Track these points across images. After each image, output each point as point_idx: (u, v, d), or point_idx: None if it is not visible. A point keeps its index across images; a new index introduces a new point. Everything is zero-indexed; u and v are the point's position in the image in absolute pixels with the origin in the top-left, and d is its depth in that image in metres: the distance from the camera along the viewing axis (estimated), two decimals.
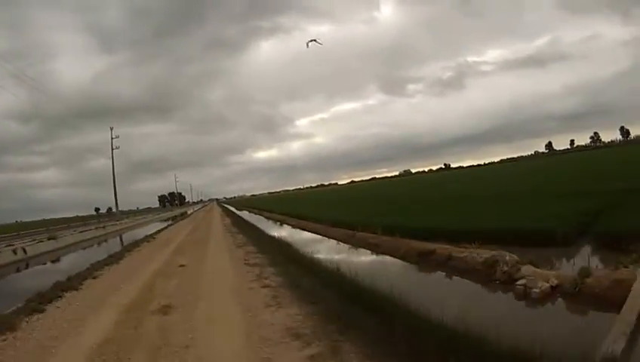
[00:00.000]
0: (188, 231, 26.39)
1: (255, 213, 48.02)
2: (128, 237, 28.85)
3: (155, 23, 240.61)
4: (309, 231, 21.64)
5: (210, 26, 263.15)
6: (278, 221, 31.10)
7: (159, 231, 28.01)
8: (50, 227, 37.15)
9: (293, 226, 25.65)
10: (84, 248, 25.85)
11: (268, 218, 36.42)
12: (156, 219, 57.22)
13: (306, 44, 29.46)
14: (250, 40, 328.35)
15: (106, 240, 29.90)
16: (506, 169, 68.95)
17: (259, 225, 25.55)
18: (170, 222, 43.13)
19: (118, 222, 42.62)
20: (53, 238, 26.12)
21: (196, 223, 34.43)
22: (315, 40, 37.27)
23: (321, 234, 19.40)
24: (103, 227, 34.72)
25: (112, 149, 47.50)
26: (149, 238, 22.73)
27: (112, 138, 47.71)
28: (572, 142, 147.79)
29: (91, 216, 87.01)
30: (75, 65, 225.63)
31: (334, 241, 16.67)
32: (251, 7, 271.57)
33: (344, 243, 15.61)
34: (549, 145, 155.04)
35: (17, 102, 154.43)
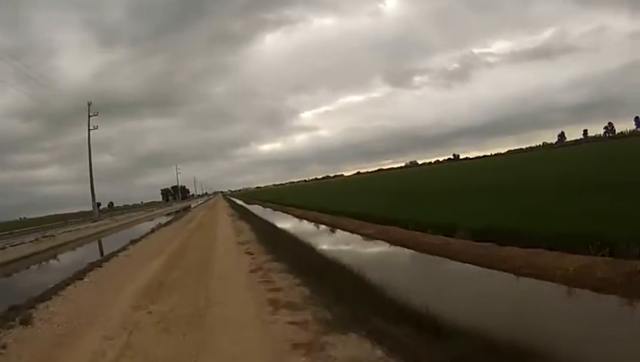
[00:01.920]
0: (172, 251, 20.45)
1: (270, 208, 41.81)
2: (70, 259, 17.86)
3: (158, 17, 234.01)
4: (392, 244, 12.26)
5: (214, 20, 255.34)
6: (313, 221, 21.85)
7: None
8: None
9: (341, 228, 17.39)
10: None
11: (294, 215, 27.09)
12: (144, 218, 48.00)
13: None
14: (254, 33, 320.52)
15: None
16: (528, 158, 61.81)
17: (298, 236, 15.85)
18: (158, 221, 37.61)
19: (93, 224, 32.69)
20: None
21: (194, 226, 28.81)
22: None
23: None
24: (53, 236, 23.74)
25: (89, 137, 41.25)
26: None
27: (89, 126, 41.50)
28: (585, 132, 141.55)
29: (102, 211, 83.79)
30: (77, 61, 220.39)
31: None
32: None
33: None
34: (561, 136, 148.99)
35: (19, 100, 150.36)
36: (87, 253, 18.99)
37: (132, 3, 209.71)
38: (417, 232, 11.41)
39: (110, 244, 19.70)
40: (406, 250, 10.93)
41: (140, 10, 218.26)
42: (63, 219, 43.42)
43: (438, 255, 9.52)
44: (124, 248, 15.37)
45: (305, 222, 22.17)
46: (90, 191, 41.22)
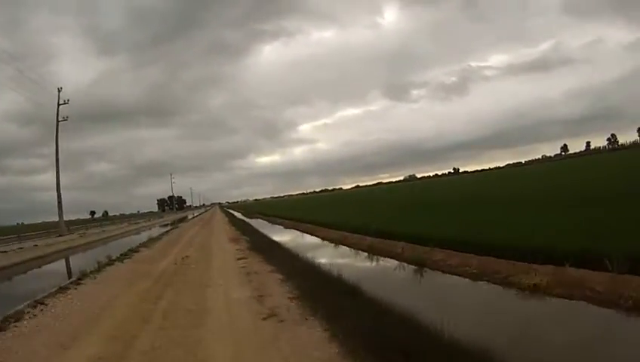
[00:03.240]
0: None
1: (279, 224, 33.69)
2: None
3: (156, 27, 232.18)
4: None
5: (212, 30, 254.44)
6: (366, 250, 13.97)
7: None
8: None
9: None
10: None
11: (322, 237, 18.84)
12: (125, 233, 39.36)
13: None
14: (252, 44, 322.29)
15: None
16: (538, 170, 55.14)
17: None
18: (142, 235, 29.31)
19: (47, 242, 25.01)
20: None
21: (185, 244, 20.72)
22: None
23: None
24: None
25: (58, 129, 33.25)
26: None
27: (57, 116, 33.52)
28: (588, 144, 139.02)
29: (86, 220, 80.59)
30: (74, 68, 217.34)
31: None
32: (254, 10, 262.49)
33: None
34: (564, 148, 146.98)
35: (17, 105, 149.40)
36: None
37: (131, 12, 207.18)
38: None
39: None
40: None
41: (139, 20, 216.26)
42: (34, 230, 35.30)
43: None
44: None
45: (357, 253, 14.01)
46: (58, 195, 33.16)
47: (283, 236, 21.86)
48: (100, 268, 12.12)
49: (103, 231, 38.52)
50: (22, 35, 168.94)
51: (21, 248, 21.53)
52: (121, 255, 15.14)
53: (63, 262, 19.18)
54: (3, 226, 70.05)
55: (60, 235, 30.89)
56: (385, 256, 11.87)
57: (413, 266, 10.06)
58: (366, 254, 12.86)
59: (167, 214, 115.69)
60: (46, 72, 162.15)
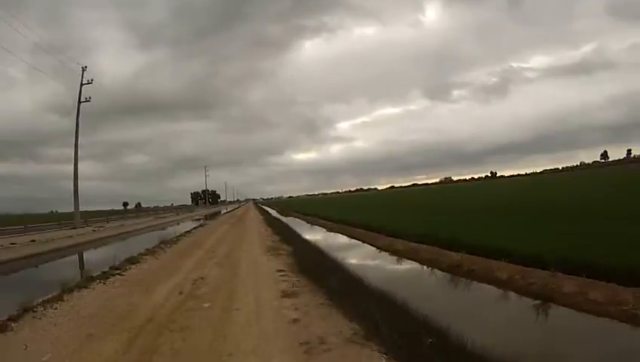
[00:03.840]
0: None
1: (321, 226, 28.50)
2: None
3: (197, 21, 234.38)
4: None
5: (253, 24, 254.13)
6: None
7: None
8: None
9: None
10: None
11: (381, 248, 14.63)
12: (147, 228, 35.58)
13: None
14: (293, 39, 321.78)
15: None
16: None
17: None
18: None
19: (55, 235, 21.90)
20: None
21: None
22: None
23: None
24: None
25: (79, 102, 29.92)
26: None
27: (80, 97, 30.26)
28: (629, 152, 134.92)
29: (117, 211, 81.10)
30: (116, 60, 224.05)
31: None
32: (296, 4, 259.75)
33: None
34: (604, 155, 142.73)
35: (59, 97, 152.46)
36: None
37: (173, 5, 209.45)
38: None
39: None
40: None
41: (181, 13, 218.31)
42: (58, 219, 32.33)
43: None
44: None
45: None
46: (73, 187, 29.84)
47: (332, 244, 16.67)
48: (50, 301, 7.34)
49: (122, 225, 34.86)
50: (64, 27, 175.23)
51: (13, 244, 17.61)
52: (111, 268, 10.42)
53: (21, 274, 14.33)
54: (35, 214, 70.90)
55: (74, 228, 27.62)
56: (482, 281, 8.49)
57: (530, 299, 7.04)
58: (463, 279, 8.89)
59: (200, 208, 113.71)
60: (87, 64, 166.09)
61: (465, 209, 22.48)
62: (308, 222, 32.97)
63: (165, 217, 52.29)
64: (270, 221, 32.90)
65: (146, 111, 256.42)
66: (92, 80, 30.77)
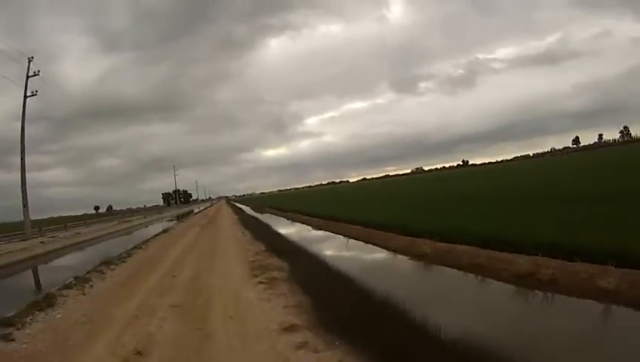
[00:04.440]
0: None
1: (301, 222, 24.50)
2: None
3: (162, 23, 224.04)
4: None
5: (218, 25, 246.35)
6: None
7: None
8: None
9: None
10: None
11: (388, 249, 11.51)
12: (106, 235, 30.80)
13: None
14: (258, 38, 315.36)
15: None
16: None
17: None
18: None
19: (12, 246, 19.58)
20: None
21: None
22: None
23: None
24: None
25: (25, 96, 25.38)
26: None
27: (26, 90, 25.60)
28: (600, 136, 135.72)
29: (85, 216, 77.18)
30: (82, 65, 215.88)
31: None
32: (259, 4, 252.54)
33: None
34: (575, 141, 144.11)
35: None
36: None
37: (137, 9, 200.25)
38: None
39: None
40: None
41: (145, 16, 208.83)
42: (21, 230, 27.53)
43: None
44: None
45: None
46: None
47: (345, 255, 12.65)
48: None
49: (79, 233, 29.79)
50: (27, 33, 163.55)
51: None
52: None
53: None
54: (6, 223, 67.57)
55: (24, 239, 24.60)
56: None
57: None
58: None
59: (171, 209, 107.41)
60: (52, 70, 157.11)
61: (468, 196, 19.45)
62: (288, 219, 29.11)
63: (131, 221, 46.79)
64: (246, 220, 28.81)
65: (114, 115, 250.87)
66: (39, 71, 27.05)
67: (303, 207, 34.86)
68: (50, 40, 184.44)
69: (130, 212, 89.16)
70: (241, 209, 56.14)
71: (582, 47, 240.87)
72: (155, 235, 23.53)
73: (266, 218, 32.80)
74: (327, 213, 22.83)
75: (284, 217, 31.27)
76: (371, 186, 78.69)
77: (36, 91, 26.52)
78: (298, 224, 23.75)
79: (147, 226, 39.15)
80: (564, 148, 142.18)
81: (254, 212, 45.05)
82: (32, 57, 26.36)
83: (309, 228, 21.69)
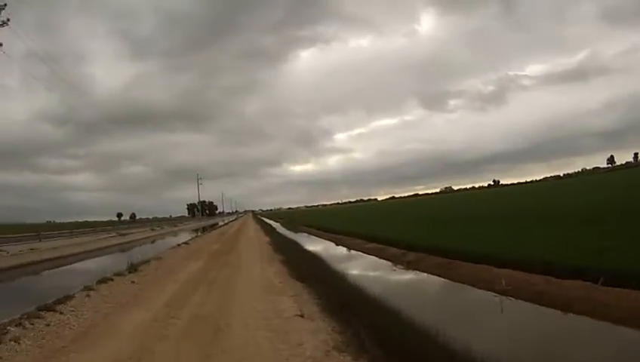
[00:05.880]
0: None
1: (364, 251, 15.98)
2: None
3: (191, 31, 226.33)
4: None
5: (247, 35, 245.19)
6: None
7: None
8: None
9: None
10: None
11: None
12: (105, 248, 26.07)
13: None
14: (288, 50, 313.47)
15: None
16: None
17: None
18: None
19: None
20: None
21: None
22: None
23: None
24: None
25: None
26: None
27: None
28: (636, 155, 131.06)
29: (111, 222, 78.74)
30: (110, 71, 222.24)
31: None
32: (290, 15, 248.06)
33: None
34: (610, 160, 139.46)
35: (52, 106, 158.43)
36: None
37: (166, 16, 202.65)
38: None
39: None
40: None
41: (174, 24, 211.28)
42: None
43: None
44: None
45: None
46: None
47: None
48: None
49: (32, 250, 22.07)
50: (57, 37, 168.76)
51: None
52: None
53: None
54: (28, 224, 67.06)
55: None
56: None
57: None
58: None
59: (195, 220, 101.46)
60: (79, 74, 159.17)
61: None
62: (339, 244, 20.74)
63: (132, 233, 39.29)
64: (280, 244, 20.40)
65: (141, 122, 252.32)
66: (8, 20, 21.28)
67: (349, 226, 26.50)
68: (78, 43, 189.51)
69: (153, 221, 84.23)
70: (270, 225, 48.14)
71: (612, 63, 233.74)
72: (161, 255, 15.54)
73: (306, 240, 24.51)
74: (398, 237, 15.40)
75: (333, 241, 22.83)
76: (414, 204, 69.07)
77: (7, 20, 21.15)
78: (369, 257, 15.17)
79: (166, 237, 31.74)
80: (594, 168, 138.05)
81: (286, 230, 36.91)
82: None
83: (374, 257, 13.60)
